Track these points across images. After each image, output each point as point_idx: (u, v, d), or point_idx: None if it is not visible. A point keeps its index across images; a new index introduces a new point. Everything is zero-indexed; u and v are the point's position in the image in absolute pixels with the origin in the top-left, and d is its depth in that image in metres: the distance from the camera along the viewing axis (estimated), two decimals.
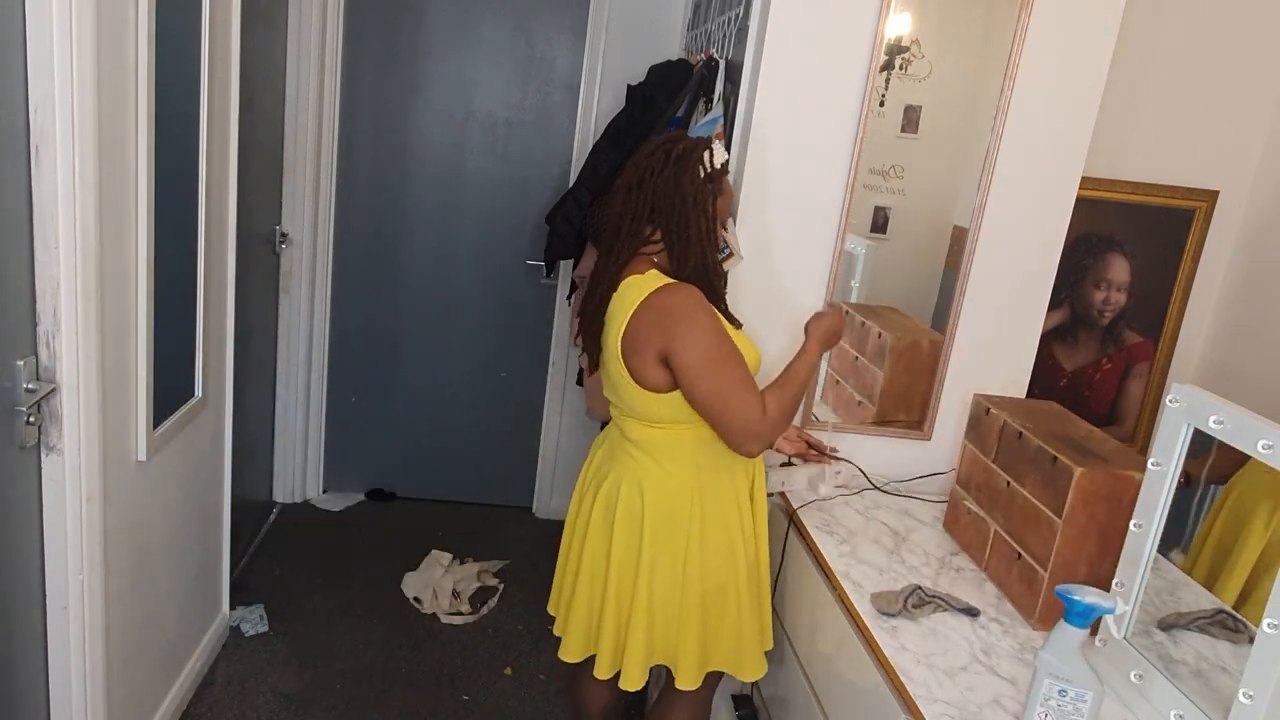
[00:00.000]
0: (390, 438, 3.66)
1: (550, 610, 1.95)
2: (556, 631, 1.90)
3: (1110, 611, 1.24)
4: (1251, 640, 1.18)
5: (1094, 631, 1.53)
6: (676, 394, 1.64)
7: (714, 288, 1.72)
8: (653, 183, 1.66)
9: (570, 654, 1.84)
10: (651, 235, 1.68)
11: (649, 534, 1.71)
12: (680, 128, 2.39)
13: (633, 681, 1.76)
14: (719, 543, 1.74)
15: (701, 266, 1.68)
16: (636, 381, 1.65)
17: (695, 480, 1.72)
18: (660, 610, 1.74)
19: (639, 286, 1.64)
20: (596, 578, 1.79)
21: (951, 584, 1.76)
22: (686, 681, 1.78)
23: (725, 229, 2.03)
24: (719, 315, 1.67)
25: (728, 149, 2.13)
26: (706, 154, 1.68)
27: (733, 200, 1.77)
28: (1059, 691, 1.25)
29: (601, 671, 1.79)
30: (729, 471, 1.76)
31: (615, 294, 1.68)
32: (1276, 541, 1.51)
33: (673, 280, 1.65)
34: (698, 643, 1.76)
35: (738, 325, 1.78)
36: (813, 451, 2.02)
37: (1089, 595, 1.23)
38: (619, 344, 1.64)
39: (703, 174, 1.66)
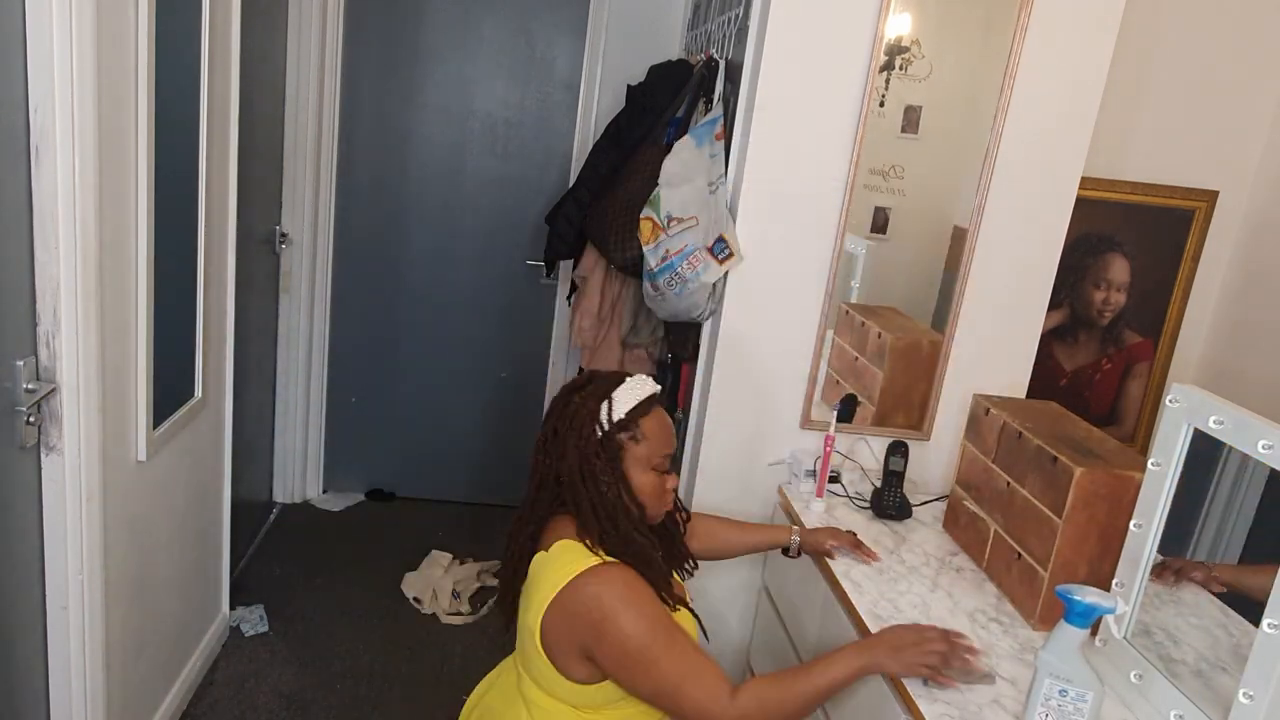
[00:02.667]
0: (390, 438, 3.66)
1: None
2: None
3: (1111, 611, 1.24)
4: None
5: (1094, 632, 1.53)
6: (607, 683, 1.37)
7: (646, 561, 1.40)
8: (553, 447, 1.41)
9: None
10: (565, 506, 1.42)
11: None
12: (680, 128, 2.39)
13: None
14: None
15: (627, 534, 1.38)
16: (559, 671, 1.36)
17: None
18: None
19: (561, 562, 1.36)
20: None
21: (951, 584, 1.76)
22: None
23: (726, 235, 2.03)
24: (650, 595, 1.36)
25: (728, 149, 2.13)
26: (604, 406, 1.39)
27: (661, 437, 1.43)
28: (1059, 691, 1.25)
29: None
30: None
31: (541, 554, 1.40)
32: None
33: (596, 559, 1.35)
34: None
35: (675, 603, 1.44)
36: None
37: (1089, 595, 1.23)
38: (537, 630, 1.35)
39: (598, 434, 1.39)
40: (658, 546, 1.47)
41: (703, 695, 1.31)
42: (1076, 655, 1.24)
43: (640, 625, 1.31)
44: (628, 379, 1.44)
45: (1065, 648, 1.24)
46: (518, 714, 1.44)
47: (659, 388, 1.48)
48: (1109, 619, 1.51)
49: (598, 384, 1.44)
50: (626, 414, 1.40)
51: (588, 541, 1.38)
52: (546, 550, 1.40)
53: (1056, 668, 1.24)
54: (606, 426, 1.39)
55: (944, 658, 1.38)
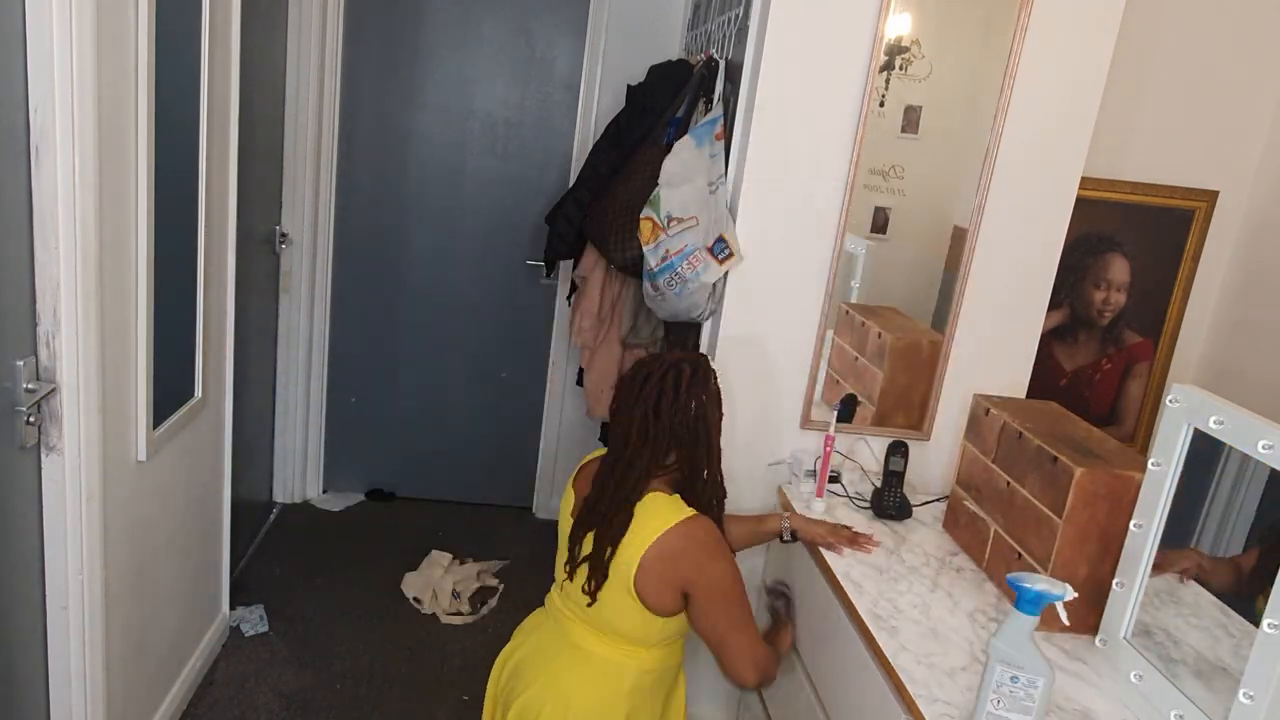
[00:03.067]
0: (390, 438, 3.66)
1: None
2: None
3: (1060, 598, 1.24)
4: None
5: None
6: (677, 618, 1.61)
7: (721, 509, 1.71)
8: (673, 414, 1.61)
9: None
10: (668, 459, 1.64)
11: None
12: (680, 128, 2.39)
13: None
14: None
15: (716, 488, 1.68)
16: (643, 603, 1.57)
17: (626, 707, 1.64)
18: None
19: (661, 511, 1.58)
20: None
21: (951, 584, 1.76)
22: None
23: (726, 235, 2.03)
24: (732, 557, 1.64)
25: (728, 149, 2.13)
26: (713, 376, 1.67)
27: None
28: (1010, 679, 1.25)
29: None
30: (652, 708, 1.71)
31: (639, 504, 1.59)
32: None
33: (692, 511, 1.60)
34: None
35: None
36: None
37: (1039, 583, 1.24)
38: (634, 565, 1.55)
39: (720, 410, 1.67)
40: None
41: (756, 640, 1.63)
42: (1027, 642, 1.24)
43: (732, 570, 1.60)
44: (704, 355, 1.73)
45: (1016, 635, 1.25)
46: (564, 662, 1.66)
47: None
48: (1109, 618, 1.52)
49: (693, 358, 1.68)
50: (719, 388, 1.69)
51: (680, 496, 1.64)
52: (639, 503, 1.61)
53: (1007, 655, 1.25)
54: (717, 387, 1.67)
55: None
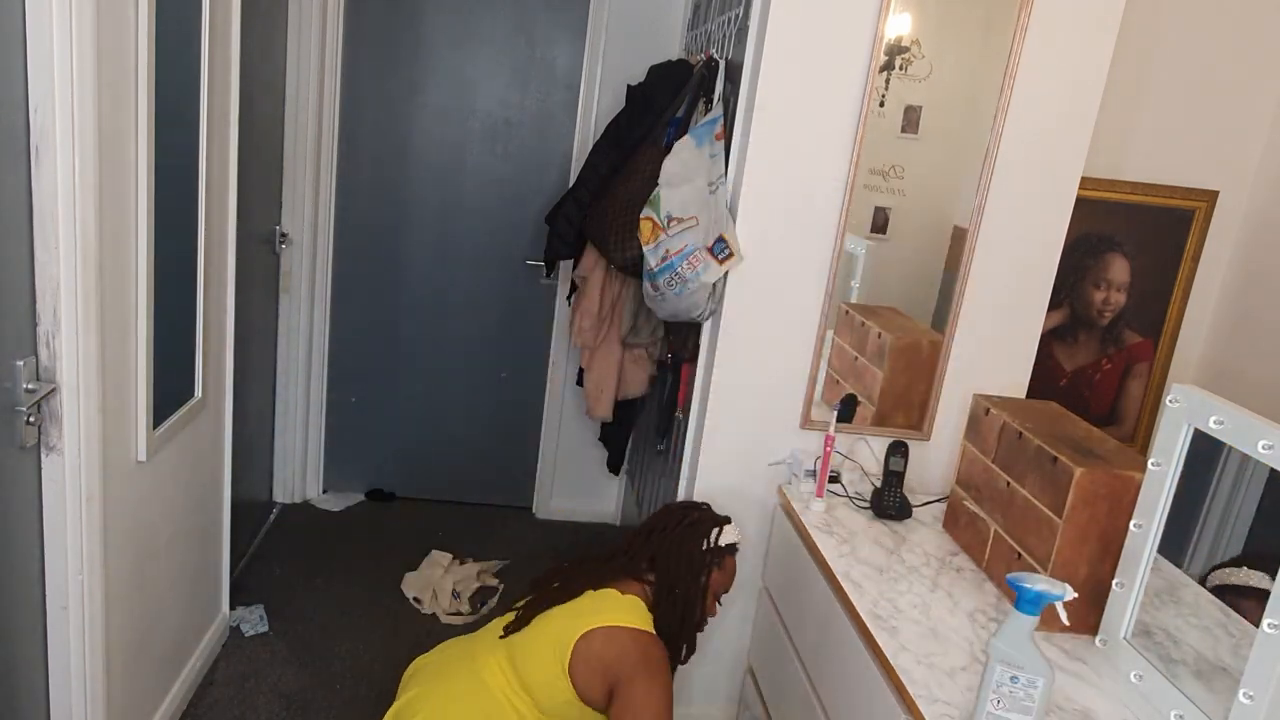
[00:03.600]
0: (390, 438, 3.66)
1: None
2: None
3: (1060, 598, 1.24)
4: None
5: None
6: (577, 707, 1.71)
7: (676, 649, 1.82)
8: (661, 538, 1.85)
9: None
10: (647, 574, 1.83)
11: None
12: (680, 128, 2.39)
13: None
14: None
15: (677, 626, 1.80)
16: (573, 686, 1.69)
17: None
18: None
19: (619, 606, 1.74)
20: None
21: (951, 584, 1.76)
22: None
23: (726, 235, 2.03)
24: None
25: (728, 149, 2.13)
26: (715, 530, 1.85)
27: (732, 577, 1.92)
28: (1010, 679, 1.25)
29: None
30: None
31: (593, 591, 1.78)
32: None
33: (650, 629, 1.74)
34: None
35: None
36: None
37: (1039, 583, 1.24)
38: (573, 642, 1.69)
39: (705, 546, 1.84)
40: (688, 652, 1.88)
41: None
42: (1027, 642, 1.24)
43: (666, 696, 1.67)
44: (731, 521, 1.90)
45: (1016, 635, 1.25)
46: (461, 684, 1.75)
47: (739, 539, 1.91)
48: (1109, 618, 1.52)
49: (711, 513, 1.91)
50: (727, 545, 1.87)
51: (650, 606, 1.78)
52: (595, 590, 1.78)
53: (1007, 655, 1.25)
54: (713, 543, 1.85)
55: None
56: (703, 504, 1.96)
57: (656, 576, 1.82)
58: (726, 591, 1.92)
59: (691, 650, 1.88)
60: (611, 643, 1.69)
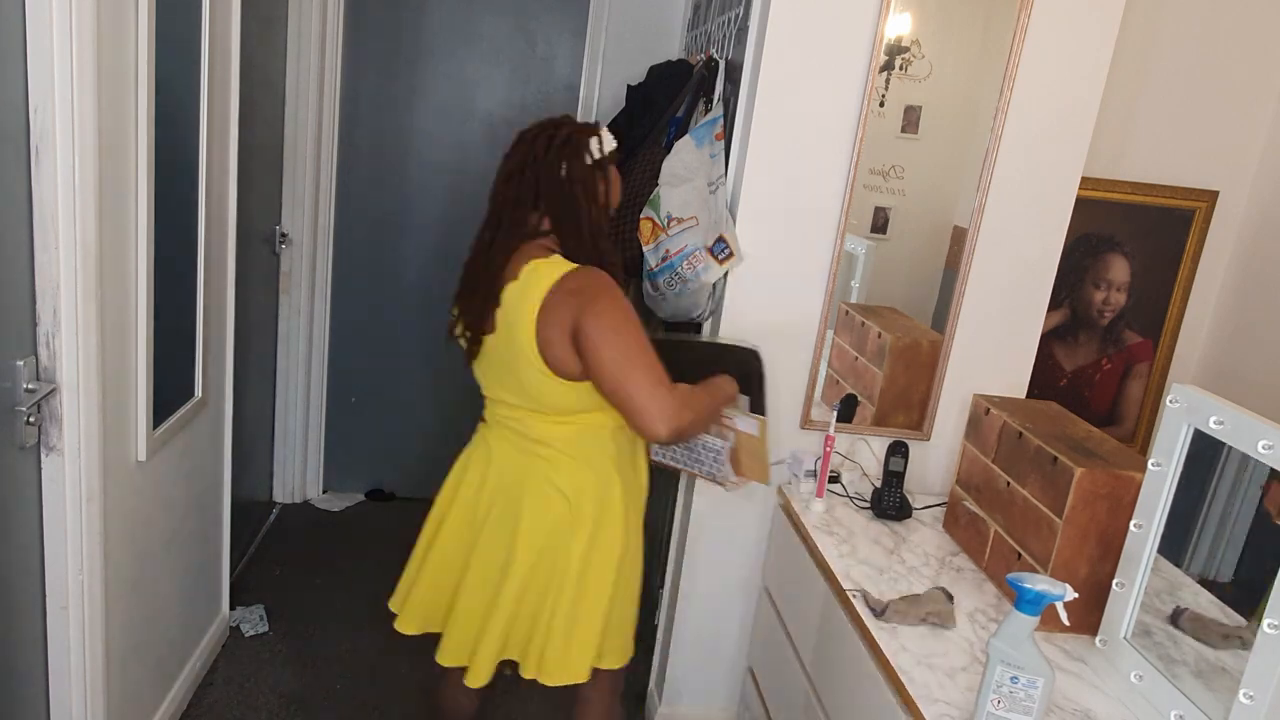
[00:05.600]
0: (390, 438, 3.66)
1: (394, 607, 1.87)
2: (418, 629, 1.81)
3: (1060, 598, 1.24)
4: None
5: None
6: (589, 383, 1.58)
7: (614, 277, 1.61)
8: (535, 169, 1.61)
9: (451, 658, 1.75)
10: (539, 225, 1.65)
11: (579, 533, 1.64)
12: (680, 128, 2.39)
13: (577, 674, 1.70)
14: (637, 531, 1.73)
15: (596, 255, 1.62)
16: (552, 370, 1.57)
17: (616, 470, 1.68)
18: (589, 608, 1.67)
19: (545, 272, 1.57)
20: (491, 583, 1.70)
21: (951, 584, 1.76)
22: (613, 660, 1.75)
23: (726, 235, 2.03)
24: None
25: (728, 149, 2.13)
26: (593, 140, 1.62)
27: (617, 183, 1.71)
28: (1011, 679, 1.25)
29: (479, 679, 1.70)
30: (635, 464, 1.75)
31: (516, 282, 1.59)
32: None
33: (581, 265, 1.59)
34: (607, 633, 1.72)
35: None
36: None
37: (1039, 583, 1.24)
38: (533, 331, 1.55)
39: (589, 160, 1.62)
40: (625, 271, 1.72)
41: (658, 378, 1.51)
42: (1028, 642, 1.24)
43: (622, 307, 1.53)
44: (603, 128, 1.66)
45: (1016, 635, 1.25)
46: (528, 450, 1.67)
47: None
48: (1108, 618, 1.52)
49: (575, 122, 1.65)
50: (609, 153, 1.64)
51: (564, 254, 1.61)
52: (517, 278, 1.59)
53: (1008, 655, 1.25)
54: (597, 155, 1.62)
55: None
56: (561, 116, 1.70)
57: (551, 217, 1.63)
58: (617, 205, 1.73)
59: (626, 269, 1.73)
60: (552, 306, 1.53)
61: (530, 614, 1.68)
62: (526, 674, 1.70)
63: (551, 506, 1.65)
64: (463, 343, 1.72)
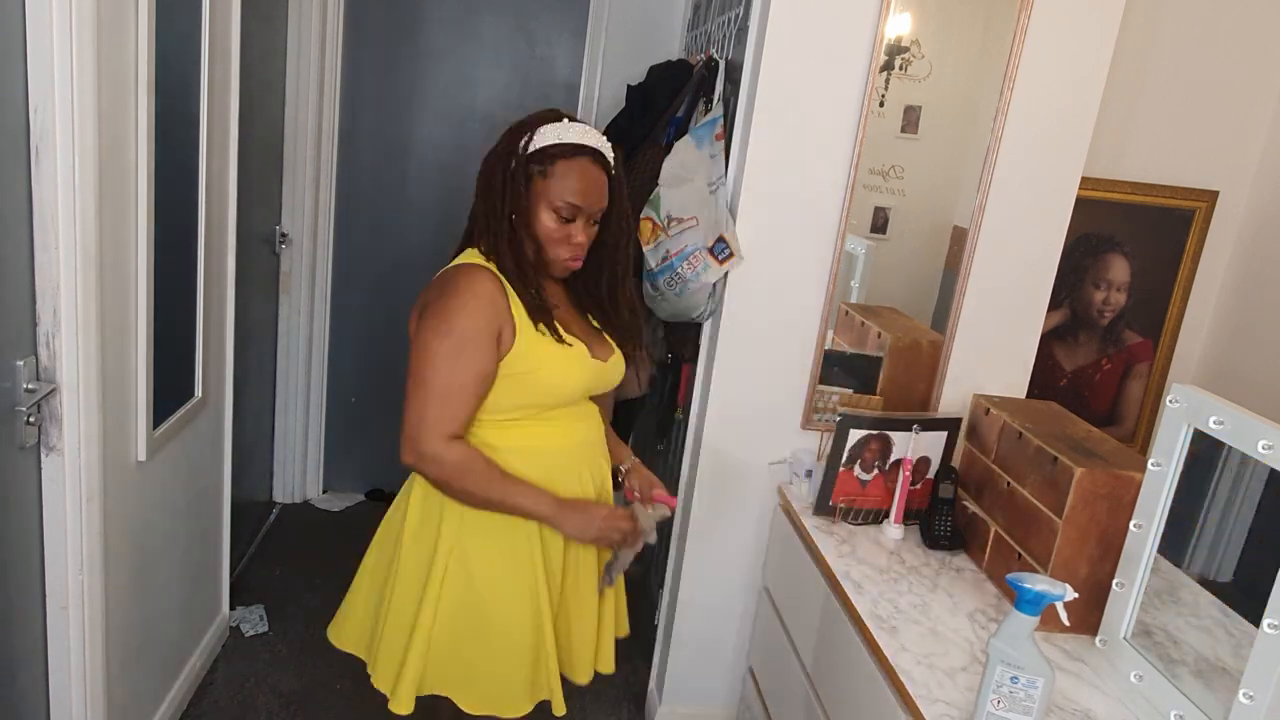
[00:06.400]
0: (390, 438, 3.60)
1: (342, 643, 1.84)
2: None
3: (1060, 598, 1.24)
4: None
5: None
6: (512, 354, 1.48)
7: (526, 281, 1.47)
8: (483, 166, 1.56)
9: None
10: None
11: (404, 537, 1.65)
12: (680, 128, 2.39)
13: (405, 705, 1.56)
14: (507, 576, 1.55)
15: (512, 259, 1.47)
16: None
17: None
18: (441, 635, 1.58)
19: (450, 264, 1.54)
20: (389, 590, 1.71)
21: (951, 584, 1.76)
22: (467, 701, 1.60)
23: (726, 235, 2.03)
24: (484, 310, 1.43)
25: (728, 149, 2.13)
26: (526, 136, 1.49)
27: (571, 183, 1.49)
28: (1010, 679, 1.25)
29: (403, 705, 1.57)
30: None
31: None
32: None
33: (475, 261, 1.49)
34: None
35: (556, 338, 1.49)
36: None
37: (1039, 583, 1.24)
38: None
39: (511, 160, 1.50)
40: (545, 285, 1.54)
41: (429, 412, 1.41)
42: (1027, 642, 1.24)
43: (446, 321, 1.40)
44: (566, 120, 1.50)
45: (1016, 635, 1.25)
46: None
47: (600, 142, 1.52)
48: (1108, 617, 1.52)
49: (535, 118, 1.51)
50: (543, 148, 1.47)
51: (481, 248, 1.50)
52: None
53: (1008, 655, 1.25)
54: (520, 153, 1.48)
55: (624, 537, 1.54)
56: (548, 110, 1.59)
57: (474, 207, 1.54)
58: (566, 204, 1.48)
59: (607, 302, 1.59)
60: (427, 291, 1.48)
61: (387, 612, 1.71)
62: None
63: (405, 506, 1.67)
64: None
